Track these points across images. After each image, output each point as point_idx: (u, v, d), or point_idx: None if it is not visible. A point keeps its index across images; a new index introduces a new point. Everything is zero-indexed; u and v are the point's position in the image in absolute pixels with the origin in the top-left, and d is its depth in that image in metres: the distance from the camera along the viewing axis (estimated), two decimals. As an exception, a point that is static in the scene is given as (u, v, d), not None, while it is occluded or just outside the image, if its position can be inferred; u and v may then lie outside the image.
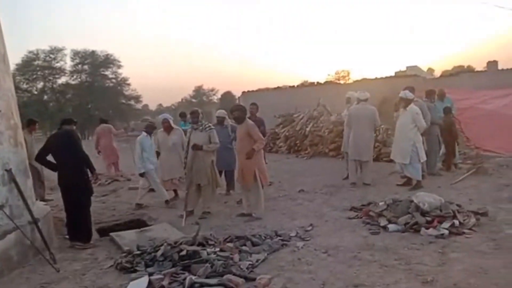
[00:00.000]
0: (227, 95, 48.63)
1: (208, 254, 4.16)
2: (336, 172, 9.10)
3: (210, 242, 4.53)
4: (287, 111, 15.09)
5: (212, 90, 52.01)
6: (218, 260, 4.02)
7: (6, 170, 4.64)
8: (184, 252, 4.11)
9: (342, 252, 4.43)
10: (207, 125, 6.51)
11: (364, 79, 17.93)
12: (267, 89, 20.15)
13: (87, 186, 5.31)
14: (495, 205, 5.82)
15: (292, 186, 8.19)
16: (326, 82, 22.54)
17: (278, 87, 19.99)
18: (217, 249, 4.34)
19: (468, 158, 9.44)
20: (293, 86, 20.61)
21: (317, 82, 21.96)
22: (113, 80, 36.29)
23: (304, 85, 23.64)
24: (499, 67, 17.39)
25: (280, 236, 4.95)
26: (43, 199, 7.28)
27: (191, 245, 4.33)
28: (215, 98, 51.46)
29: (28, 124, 7.93)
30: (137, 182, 9.65)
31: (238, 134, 6.26)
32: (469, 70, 31.66)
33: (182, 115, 11.28)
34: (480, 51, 65.25)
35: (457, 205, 5.57)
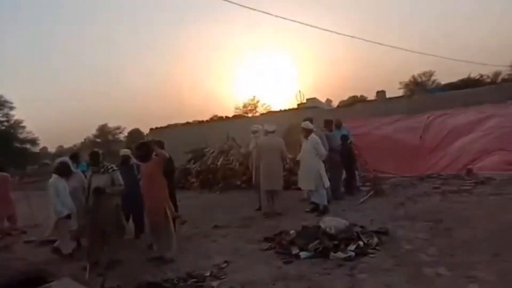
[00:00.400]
0: (135, 133, 47.09)
1: None
2: (249, 204, 9.18)
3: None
4: (197, 146, 15.05)
5: (118, 128, 50.06)
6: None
7: None
8: None
9: (259, 285, 4.42)
10: (109, 167, 6.17)
11: (269, 112, 18.80)
12: (176, 125, 20.00)
13: None
14: (393, 223, 6.31)
15: (206, 222, 8.05)
16: (234, 116, 23.12)
17: (188, 123, 20.06)
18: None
19: (367, 181, 10.20)
20: (202, 121, 20.82)
21: (226, 116, 22.43)
22: (5, 123, 33.16)
23: (213, 120, 23.96)
24: (387, 96, 19.47)
25: (194, 277, 4.79)
26: None
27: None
28: (122, 136, 49.52)
29: None
30: (33, 235, 8.75)
31: (144, 173, 6.03)
32: (362, 99, 34.88)
33: (74, 157, 8.81)
34: (370, 80, 72.32)
35: (361, 226, 5.95)
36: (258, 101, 49.01)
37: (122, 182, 6.14)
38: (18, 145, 33.85)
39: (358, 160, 10.51)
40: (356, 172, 9.75)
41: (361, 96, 46.25)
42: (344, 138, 9.46)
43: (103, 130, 49.46)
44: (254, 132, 9.06)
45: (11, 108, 33.05)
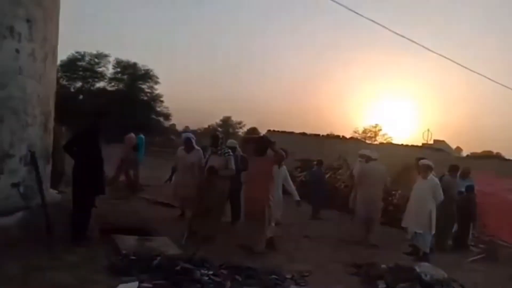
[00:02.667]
0: (252, 131, 48.99)
1: (201, 275, 4.16)
2: (344, 226, 8.97)
3: (205, 265, 4.53)
4: (308, 157, 15.14)
5: (240, 123, 52.66)
6: (210, 283, 4.01)
7: (30, 151, 4.84)
8: (178, 268, 4.12)
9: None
10: (226, 151, 6.64)
11: (389, 143, 17.98)
12: (293, 133, 20.33)
13: (99, 186, 5.40)
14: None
15: (298, 230, 8.11)
16: (351, 138, 22.63)
17: (304, 133, 20.16)
18: (211, 272, 4.33)
19: (481, 243, 9.16)
20: (318, 135, 20.76)
21: (343, 136, 22.08)
22: (148, 95, 37.27)
23: (330, 136, 23.74)
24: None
25: (275, 275, 4.89)
26: (56, 189, 7.43)
27: (187, 262, 4.34)
28: (241, 131, 52.02)
29: (60, 115, 8.23)
30: (148, 194, 9.81)
31: (256, 165, 6.29)
32: (497, 156, 31.15)
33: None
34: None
35: (461, 285, 5.41)
36: (379, 130, 47.30)
37: (234, 167, 6.56)
38: (154, 116, 37.71)
39: (477, 218, 9.48)
40: (471, 229, 8.83)
41: (497, 153, 41.42)
42: (470, 189, 8.65)
43: (226, 122, 52.53)
44: (361, 156, 8.85)
45: (156, 82, 36.91)
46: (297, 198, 7.36)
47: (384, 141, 35.20)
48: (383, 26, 9.43)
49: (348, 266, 5.93)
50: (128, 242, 5.27)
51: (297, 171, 14.71)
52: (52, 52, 5.42)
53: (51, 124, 5.57)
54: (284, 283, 4.72)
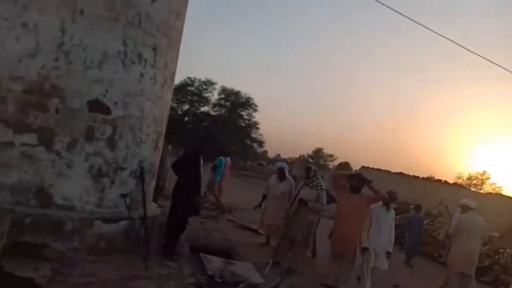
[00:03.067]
0: (344, 166, 47.92)
1: (282, 308, 4.10)
2: (437, 278, 8.16)
3: (287, 298, 4.45)
4: (403, 200, 14.27)
5: (331, 156, 51.96)
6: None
7: (140, 166, 5.31)
8: (260, 297, 4.11)
9: None
10: (319, 184, 6.57)
11: (498, 194, 16.15)
12: (388, 172, 19.41)
13: (195, 206, 5.68)
14: None
15: (388, 277, 7.58)
16: (454, 183, 20.84)
17: (401, 173, 19.13)
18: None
19: None
20: (417, 177, 19.51)
21: (445, 181, 20.45)
22: (246, 121, 38.81)
23: (430, 179, 22.14)
24: None
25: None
26: (156, 203, 8.01)
27: (269, 293, 4.31)
28: (331, 164, 51.16)
29: (169, 134, 8.93)
30: (235, 216, 10.06)
31: (351, 203, 6.07)
32: None
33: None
34: None
35: None
36: (487, 178, 42.96)
37: (325, 202, 6.45)
38: (248, 142, 39.05)
39: None
40: None
41: None
42: None
43: (318, 154, 52.20)
44: (462, 206, 8.00)
45: (255, 110, 38.38)
46: (391, 249, 6.26)
47: (492, 191, 31.81)
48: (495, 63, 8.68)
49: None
50: (215, 263, 5.42)
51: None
52: (170, 77, 5.97)
53: (161, 142, 6.07)
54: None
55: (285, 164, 8.10)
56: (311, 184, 6.56)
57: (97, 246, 4.76)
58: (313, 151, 52.61)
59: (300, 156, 53.98)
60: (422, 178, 20.69)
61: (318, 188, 6.51)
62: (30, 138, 4.55)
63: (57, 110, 4.63)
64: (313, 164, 7.32)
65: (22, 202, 4.48)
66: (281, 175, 7.65)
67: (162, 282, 4.48)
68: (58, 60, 4.65)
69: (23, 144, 4.53)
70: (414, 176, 19.33)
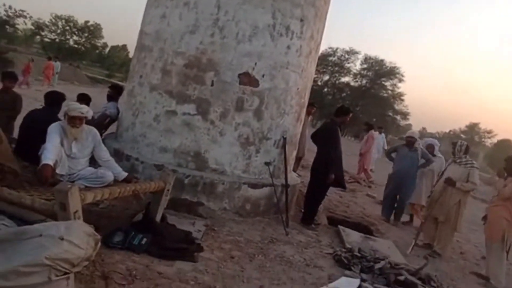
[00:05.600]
0: (504, 143, 41.96)
1: (426, 293, 3.88)
2: None
3: (432, 284, 4.19)
4: None
5: (489, 132, 45.91)
6: (434, 305, 3.70)
7: (283, 137, 5.50)
8: (402, 278, 3.95)
9: None
10: (469, 161, 5.89)
11: None
12: None
13: (339, 178, 5.66)
14: None
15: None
16: None
17: None
18: (437, 293, 3.98)
19: None
20: None
21: None
22: (389, 92, 36.78)
23: None
24: None
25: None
26: (295, 171, 8.26)
27: (412, 275, 4.11)
28: (489, 142, 45.31)
29: (308, 106, 9.02)
30: (375, 192, 9.77)
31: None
32: None
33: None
34: None
35: None
36: None
37: (477, 182, 5.79)
38: (390, 114, 37.09)
39: None
40: None
41: None
42: None
43: (473, 129, 46.73)
44: None
45: (400, 80, 36.01)
46: None
47: None
48: None
49: None
50: (353, 237, 5.38)
51: None
52: (315, 49, 5.95)
53: (303, 114, 6.17)
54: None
55: (435, 141, 7.46)
56: (459, 161, 5.93)
57: (243, 208, 5.16)
58: (467, 126, 47.28)
59: (450, 131, 49.19)
60: None
61: (469, 165, 5.84)
62: (190, 108, 5.09)
63: (212, 83, 5.05)
64: (464, 140, 6.51)
65: (182, 164, 5.09)
66: (430, 152, 7.08)
67: (301, 248, 4.66)
68: (214, 35, 5.03)
69: (184, 113, 5.09)
70: None
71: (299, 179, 6.67)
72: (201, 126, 5.08)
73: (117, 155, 5.06)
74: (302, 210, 5.94)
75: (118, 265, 3.20)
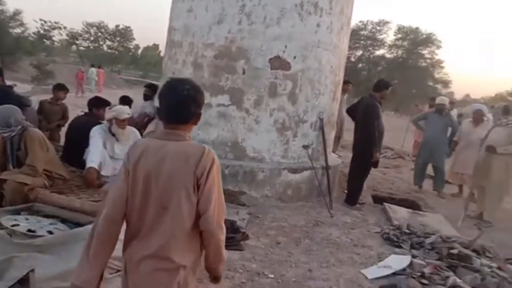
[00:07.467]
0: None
1: (481, 265, 3.73)
2: None
3: (487, 254, 4.03)
4: None
5: (538, 89, 43.02)
6: (492, 276, 3.55)
7: (319, 118, 5.42)
8: (455, 251, 3.83)
9: None
10: (510, 121, 5.58)
11: None
12: None
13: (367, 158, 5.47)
14: None
15: None
16: None
17: None
18: (494, 265, 3.82)
19: None
20: None
21: None
22: (428, 60, 35.25)
23: None
24: None
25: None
26: (335, 153, 8.13)
27: (465, 248, 3.97)
28: (540, 104, 42.54)
29: (344, 84, 8.80)
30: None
31: None
32: None
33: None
34: None
35: None
36: None
37: None
38: (431, 83, 35.59)
39: None
40: None
41: None
42: None
43: (522, 89, 43.99)
44: None
45: (438, 47, 34.34)
46: None
47: None
48: None
49: None
50: (401, 213, 5.26)
51: None
52: (347, 23, 5.77)
53: (339, 93, 6.04)
54: None
55: (483, 106, 7.10)
56: (499, 123, 5.63)
57: (285, 193, 5.17)
58: (516, 87, 44.51)
59: (496, 94, 46.55)
60: None
61: (510, 125, 5.53)
62: (223, 99, 5.11)
63: (243, 71, 5.04)
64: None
65: (221, 155, 5.13)
66: (477, 119, 6.73)
67: (348, 229, 4.61)
68: (241, 22, 5.00)
69: (218, 105, 5.13)
70: None
71: (339, 159, 6.57)
72: (236, 116, 5.10)
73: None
74: (346, 191, 5.85)
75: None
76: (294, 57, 5.09)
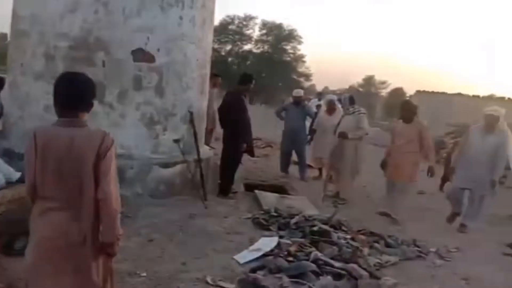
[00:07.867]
0: (398, 91, 45.97)
1: (338, 238, 4.19)
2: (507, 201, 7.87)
3: (343, 228, 4.54)
4: (463, 122, 13.59)
5: (384, 83, 49.78)
6: (347, 247, 4.01)
7: (189, 111, 5.41)
8: (316, 228, 4.22)
9: (486, 286, 3.94)
10: (356, 109, 6.44)
11: None
12: (445, 94, 18.39)
13: (248, 146, 5.78)
14: None
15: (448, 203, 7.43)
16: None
17: (459, 93, 18.08)
18: (349, 236, 4.33)
19: None
20: (477, 96, 18.38)
21: (508, 98, 19.10)
22: (291, 55, 37.74)
23: (491, 98, 20.79)
24: None
25: (418, 246, 4.63)
26: (208, 145, 8.23)
27: (324, 224, 4.41)
28: (384, 92, 49.28)
29: (212, 78, 8.92)
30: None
31: (403, 133, 5.90)
32: None
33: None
34: None
35: None
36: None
37: (366, 126, 6.35)
38: (295, 77, 38.26)
39: None
40: None
41: None
42: None
43: (369, 82, 50.27)
44: None
45: (300, 42, 37.03)
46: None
47: None
48: None
49: (505, 247, 5.25)
50: (270, 199, 5.60)
51: (448, 137, 13.38)
52: (210, 17, 5.84)
53: (207, 86, 6.10)
54: (427, 256, 4.45)
55: (335, 96, 7.94)
56: (351, 111, 6.45)
57: (157, 189, 5.05)
58: (363, 79, 50.63)
59: (350, 86, 52.36)
60: (483, 97, 19.47)
61: (356, 113, 6.39)
62: (83, 93, 4.73)
63: (103, 63, 4.74)
64: (362, 93, 7.11)
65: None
66: (331, 108, 7.50)
67: (221, 219, 4.73)
68: (98, 12, 4.68)
69: (78, 99, 4.72)
70: (474, 96, 18.19)
71: (212, 152, 6.67)
72: (99, 111, 4.76)
73: (8, 154, 4.58)
74: (219, 182, 5.99)
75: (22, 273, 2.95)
76: (158, 50, 4.98)
